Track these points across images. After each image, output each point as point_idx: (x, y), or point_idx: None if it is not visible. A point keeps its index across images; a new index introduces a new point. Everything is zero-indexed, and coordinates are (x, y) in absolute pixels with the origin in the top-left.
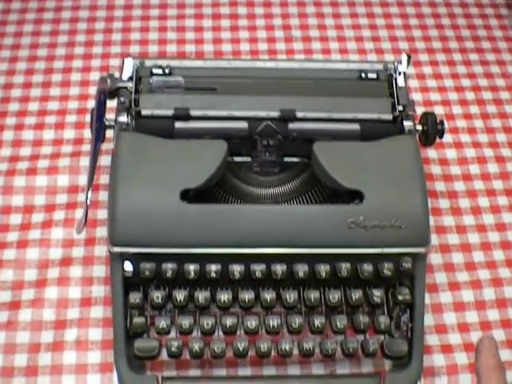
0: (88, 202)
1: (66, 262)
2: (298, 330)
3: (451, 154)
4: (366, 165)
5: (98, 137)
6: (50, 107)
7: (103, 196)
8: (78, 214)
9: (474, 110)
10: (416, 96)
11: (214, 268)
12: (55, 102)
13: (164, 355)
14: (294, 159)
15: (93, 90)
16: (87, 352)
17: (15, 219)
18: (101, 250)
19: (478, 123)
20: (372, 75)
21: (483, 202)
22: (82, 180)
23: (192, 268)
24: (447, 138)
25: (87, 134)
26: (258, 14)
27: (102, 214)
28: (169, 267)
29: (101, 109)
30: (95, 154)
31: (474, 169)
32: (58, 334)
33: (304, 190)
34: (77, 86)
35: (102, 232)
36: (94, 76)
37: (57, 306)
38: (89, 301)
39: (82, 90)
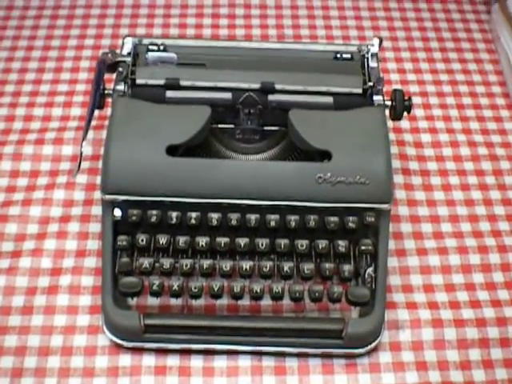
0: (82, 150)
1: (65, 219)
2: (269, 274)
3: (426, 137)
4: (335, 129)
5: (95, 99)
6: (60, 89)
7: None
8: (80, 178)
9: (450, 100)
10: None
11: (193, 215)
12: (65, 84)
13: (147, 300)
14: (274, 128)
15: None
16: (79, 296)
17: (22, 182)
18: (97, 210)
19: (453, 112)
20: (346, 56)
21: (454, 180)
22: (85, 150)
23: (174, 215)
24: (423, 124)
25: None
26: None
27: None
28: (153, 213)
29: (99, 76)
30: (92, 111)
31: (447, 151)
32: (54, 280)
33: (282, 157)
34: (85, 72)
35: (99, 195)
36: None
37: (54, 255)
38: (83, 252)
39: (89, 75)
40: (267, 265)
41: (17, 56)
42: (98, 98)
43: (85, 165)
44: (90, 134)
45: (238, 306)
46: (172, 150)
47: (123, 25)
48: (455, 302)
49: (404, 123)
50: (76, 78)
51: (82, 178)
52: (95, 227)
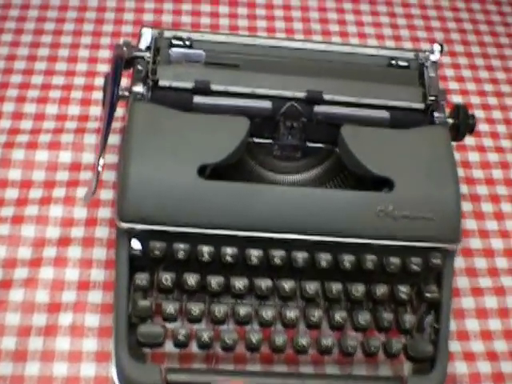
0: (99, 168)
1: (63, 241)
2: (317, 323)
3: (474, 157)
4: (396, 152)
5: (113, 102)
6: (55, 82)
7: (108, 176)
8: (80, 192)
9: (497, 115)
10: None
11: (229, 251)
12: (60, 76)
13: (166, 347)
14: (318, 145)
15: (101, 68)
16: (82, 339)
17: (11, 194)
18: (102, 232)
19: (501, 128)
20: (402, 63)
21: (506, 207)
22: (86, 158)
23: (206, 250)
24: (469, 141)
25: (93, 111)
26: None
27: (106, 193)
28: (181, 247)
29: (117, 75)
30: (110, 119)
31: (497, 174)
32: (52, 318)
33: (326, 179)
34: (84, 63)
35: (104, 213)
36: (103, 54)
37: (52, 287)
38: (87, 284)
39: (89, 66)
40: (315, 313)
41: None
42: (115, 103)
43: (86, 175)
44: (92, 139)
45: (272, 356)
46: (202, 170)
47: (128, 8)
48: None
49: None
50: (73, 70)
51: (82, 191)
52: (100, 253)
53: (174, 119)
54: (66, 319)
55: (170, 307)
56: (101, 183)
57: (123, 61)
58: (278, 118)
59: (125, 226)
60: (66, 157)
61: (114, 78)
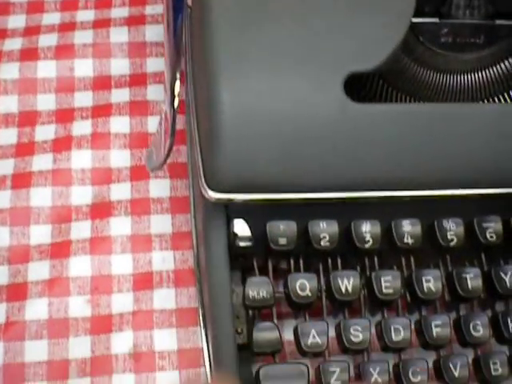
0: (175, 107)
1: (100, 211)
2: None
3: None
4: None
5: None
6: None
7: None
8: (116, 124)
9: None
10: None
11: (408, 228)
12: None
13: None
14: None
15: None
16: (155, 373)
17: (8, 136)
18: (161, 188)
19: None
20: None
21: None
22: (117, 66)
23: (367, 229)
24: None
25: None
26: None
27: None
28: (323, 229)
29: None
30: (176, 17)
31: None
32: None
33: None
34: None
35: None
36: None
37: (92, 289)
38: (148, 280)
39: None
40: None
41: None
42: None
43: (120, 95)
44: (123, 35)
45: None
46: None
47: None
48: None
49: None
50: None
51: (117, 122)
52: (162, 223)
53: None
54: (122, 345)
55: (317, 341)
56: (140, 107)
57: None
58: None
59: (219, 197)
60: (85, 68)
61: None
